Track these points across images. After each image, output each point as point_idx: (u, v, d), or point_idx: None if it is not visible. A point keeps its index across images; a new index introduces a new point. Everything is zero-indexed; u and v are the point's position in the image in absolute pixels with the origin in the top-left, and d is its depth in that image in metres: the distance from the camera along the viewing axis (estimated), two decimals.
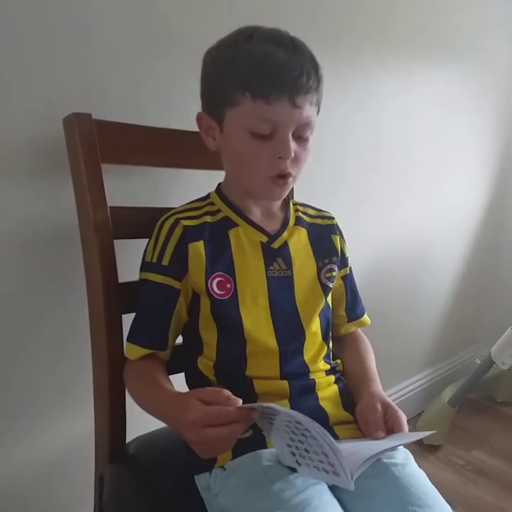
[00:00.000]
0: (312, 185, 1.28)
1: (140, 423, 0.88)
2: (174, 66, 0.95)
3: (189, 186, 0.93)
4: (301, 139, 0.74)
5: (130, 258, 0.81)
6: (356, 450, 0.62)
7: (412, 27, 1.51)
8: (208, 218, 0.80)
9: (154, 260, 0.77)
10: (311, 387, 0.79)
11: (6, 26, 0.76)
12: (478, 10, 1.77)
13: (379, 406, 0.75)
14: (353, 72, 1.36)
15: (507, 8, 1.89)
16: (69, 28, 0.82)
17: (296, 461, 0.61)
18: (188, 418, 0.58)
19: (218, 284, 0.76)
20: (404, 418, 0.73)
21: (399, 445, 0.70)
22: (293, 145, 0.72)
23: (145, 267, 0.79)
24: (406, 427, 0.73)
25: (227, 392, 0.59)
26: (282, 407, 0.55)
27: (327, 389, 0.81)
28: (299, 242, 0.84)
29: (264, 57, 0.68)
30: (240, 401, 0.58)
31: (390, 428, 0.72)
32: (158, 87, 0.95)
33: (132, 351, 0.76)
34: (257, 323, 0.77)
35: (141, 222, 0.82)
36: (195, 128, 0.80)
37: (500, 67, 1.96)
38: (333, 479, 0.56)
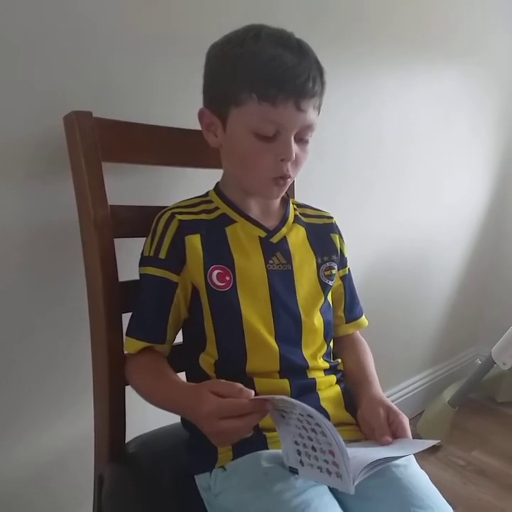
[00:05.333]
0: (314, 185, 1.28)
1: (140, 422, 0.88)
2: (177, 64, 0.95)
3: (190, 185, 0.93)
4: (302, 141, 0.75)
5: (130, 257, 0.81)
6: (360, 454, 0.62)
7: (413, 26, 1.50)
8: (204, 216, 0.80)
9: (151, 254, 0.77)
10: (312, 387, 0.79)
11: (7, 22, 0.76)
12: (479, 9, 1.76)
13: (381, 410, 0.75)
14: (353, 71, 1.36)
15: (508, 7, 1.88)
16: (70, 25, 0.82)
17: (300, 461, 0.61)
18: (203, 411, 0.59)
19: (218, 275, 0.77)
20: (406, 422, 0.74)
21: (404, 456, 0.69)
22: (295, 147, 0.73)
23: (143, 261, 0.79)
24: (409, 430, 0.73)
25: (239, 385, 0.60)
26: (295, 400, 0.55)
27: (329, 390, 0.80)
28: (297, 239, 0.85)
29: (272, 59, 0.69)
30: (253, 392, 0.60)
31: (393, 432, 0.72)
32: (160, 85, 0.94)
33: (130, 345, 0.76)
34: (257, 314, 0.77)
35: (141, 220, 0.82)
36: (198, 126, 0.80)
37: (502, 66, 1.95)
38: (335, 482, 0.56)
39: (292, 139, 0.73)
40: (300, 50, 0.71)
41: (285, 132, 0.72)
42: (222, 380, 0.63)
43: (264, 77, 0.69)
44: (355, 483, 0.55)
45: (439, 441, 0.73)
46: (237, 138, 0.74)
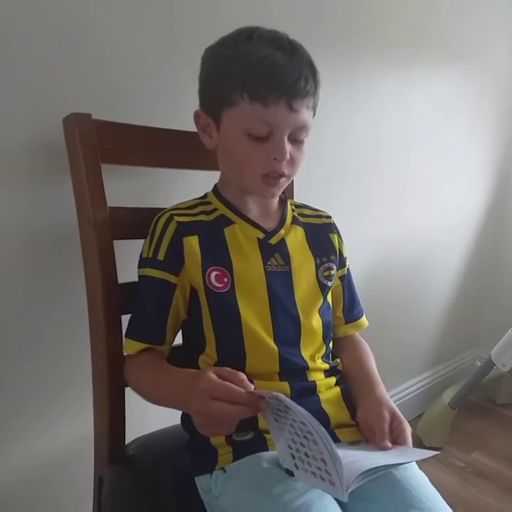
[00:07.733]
0: (313, 186, 1.28)
1: (140, 424, 0.88)
2: (177, 66, 0.95)
3: (189, 187, 0.93)
4: (296, 141, 0.75)
5: (130, 259, 0.81)
6: (357, 459, 0.61)
7: (412, 29, 1.50)
8: (203, 217, 0.80)
9: (150, 255, 0.77)
10: (312, 390, 0.78)
11: (6, 24, 0.76)
12: (479, 12, 1.76)
13: (386, 414, 0.73)
14: (353, 73, 1.36)
15: (507, 11, 1.89)
16: (70, 27, 0.82)
17: (295, 465, 0.61)
18: (199, 386, 0.60)
19: (216, 277, 0.77)
20: (409, 431, 0.72)
21: (402, 464, 0.68)
22: (288, 147, 0.73)
23: (141, 263, 0.79)
24: (410, 440, 0.71)
25: (244, 376, 0.60)
26: (291, 401, 0.55)
27: (329, 391, 0.80)
28: (296, 240, 0.84)
29: (262, 59, 0.69)
30: (252, 387, 0.60)
31: (395, 439, 0.71)
32: (160, 87, 0.95)
33: (130, 346, 0.76)
34: (255, 316, 0.77)
35: (140, 222, 0.82)
36: (196, 128, 0.80)
37: (501, 69, 1.96)
38: (328, 488, 0.56)
39: (285, 139, 0.73)
40: (292, 50, 0.71)
41: (278, 133, 0.72)
42: (229, 368, 0.62)
43: (255, 77, 0.69)
44: (349, 490, 0.54)
45: (438, 452, 0.71)
46: (231, 139, 0.75)
